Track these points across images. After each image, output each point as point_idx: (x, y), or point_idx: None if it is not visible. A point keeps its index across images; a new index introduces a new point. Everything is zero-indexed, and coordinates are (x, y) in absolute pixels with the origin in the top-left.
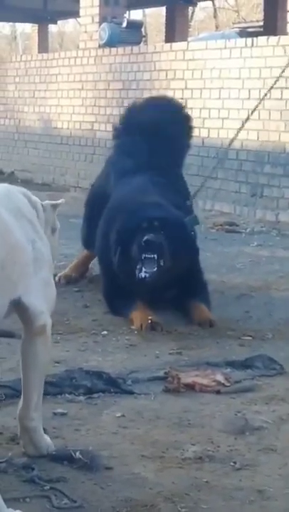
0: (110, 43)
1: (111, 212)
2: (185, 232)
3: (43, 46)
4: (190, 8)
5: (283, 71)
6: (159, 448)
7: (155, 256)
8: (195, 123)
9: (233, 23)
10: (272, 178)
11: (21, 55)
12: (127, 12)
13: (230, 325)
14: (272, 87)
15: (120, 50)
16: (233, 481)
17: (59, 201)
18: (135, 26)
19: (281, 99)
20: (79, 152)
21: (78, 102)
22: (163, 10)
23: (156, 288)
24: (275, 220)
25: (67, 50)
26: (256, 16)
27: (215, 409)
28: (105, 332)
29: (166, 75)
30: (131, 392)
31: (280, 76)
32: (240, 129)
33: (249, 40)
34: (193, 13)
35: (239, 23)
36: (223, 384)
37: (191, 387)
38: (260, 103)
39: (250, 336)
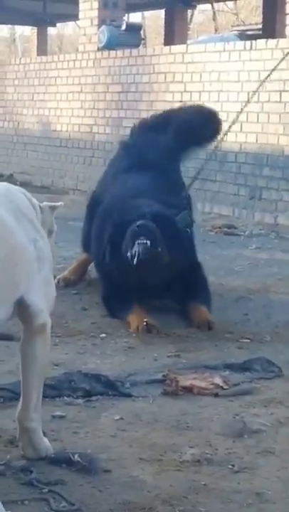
0: (109, 45)
1: (103, 213)
2: (176, 228)
3: (42, 49)
4: (189, 11)
5: (274, 69)
6: (157, 451)
7: (148, 242)
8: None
9: (232, 26)
10: (271, 180)
11: (20, 58)
12: (126, 15)
13: (229, 327)
14: (263, 81)
15: (119, 52)
16: (231, 483)
17: (58, 203)
18: (134, 29)
19: (280, 101)
20: (78, 155)
21: (77, 105)
22: (162, 13)
23: (151, 284)
24: (274, 222)
25: (66, 53)
26: (255, 19)
27: (213, 412)
28: (104, 335)
29: (165, 78)
30: (129, 395)
31: (270, 73)
32: (233, 122)
33: (248, 42)
34: (192, 15)
35: (238, 25)
36: (221, 387)
37: (189, 390)
38: (248, 101)
39: (249, 339)
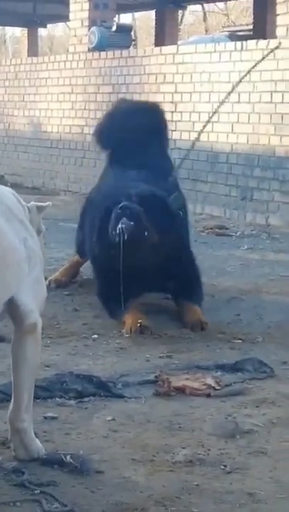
0: (100, 46)
1: (95, 204)
2: (165, 207)
3: (33, 50)
4: (180, 12)
5: (261, 60)
6: (150, 451)
7: (131, 222)
8: (185, 127)
9: (223, 27)
10: (262, 181)
11: (11, 59)
12: (117, 16)
13: (221, 328)
14: (247, 74)
15: (110, 53)
16: (224, 484)
17: (45, 204)
18: (125, 30)
19: (271, 102)
20: (69, 156)
21: (68, 106)
22: (152, 14)
23: (141, 266)
24: (265, 223)
25: (56, 54)
26: (246, 20)
27: (205, 413)
28: (96, 336)
29: (156, 79)
30: (121, 396)
31: (261, 61)
32: (206, 122)
33: (239, 43)
34: (182, 16)
35: (229, 26)
36: (213, 387)
37: (181, 391)
38: (227, 97)
39: (241, 339)
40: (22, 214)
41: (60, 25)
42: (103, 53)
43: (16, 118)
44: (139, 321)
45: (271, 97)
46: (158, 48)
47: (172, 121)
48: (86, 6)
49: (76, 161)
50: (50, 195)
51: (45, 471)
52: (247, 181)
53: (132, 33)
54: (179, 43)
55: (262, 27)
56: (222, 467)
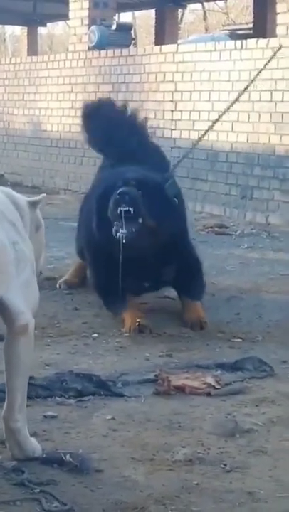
0: (100, 45)
1: (89, 199)
2: (164, 193)
3: (33, 49)
4: (179, 11)
5: (266, 65)
6: (150, 450)
7: (131, 209)
8: (185, 125)
9: (223, 26)
10: (262, 180)
11: (10, 58)
12: (117, 14)
13: (221, 327)
14: (252, 81)
15: (110, 52)
16: (224, 483)
17: (38, 197)
18: (125, 29)
19: (271, 101)
20: (68, 155)
21: (68, 105)
22: (152, 12)
23: (141, 255)
24: (265, 222)
25: (56, 53)
26: (246, 18)
27: (205, 412)
28: (95, 335)
29: (156, 78)
30: (121, 395)
31: (263, 68)
32: (213, 123)
33: (239, 42)
34: (182, 15)
35: (229, 25)
36: (213, 386)
37: (181, 390)
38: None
39: (240, 338)
40: (14, 216)
41: (60, 23)
42: (103, 52)
43: (16, 117)
44: (139, 320)
45: (271, 95)
46: (158, 47)
47: (172, 120)
48: (86, 4)
49: (76, 160)
50: (50, 194)
51: (44, 470)
52: (247, 180)
53: (132, 32)
54: (179, 41)
55: (262, 26)
56: (222, 466)
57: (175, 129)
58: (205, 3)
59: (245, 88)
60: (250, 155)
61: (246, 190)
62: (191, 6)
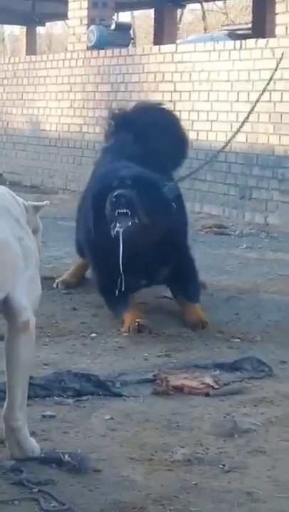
0: (99, 45)
1: (86, 195)
2: (160, 192)
3: (31, 48)
4: (179, 11)
5: (272, 77)
6: (148, 450)
7: (128, 211)
8: (184, 126)
9: (222, 26)
10: (261, 180)
11: (9, 57)
12: (116, 14)
13: (219, 327)
14: (263, 92)
15: (109, 52)
16: (222, 483)
17: (42, 203)
18: (124, 28)
19: (270, 101)
20: (67, 154)
21: (67, 104)
22: (151, 12)
23: (139, 252)
24: (264, 222)
25: (55, 53)
26: (245, 19)
27: (204, 412)
28: (94, 334)
29: (155, 78)
30: (120, 395)
31: (271, 80)
32: (234, 134)
33: (238, 42)
34: (181, 15)
35: (228, 25)
36: (212, 386)
37: (179, 390)
38: (252, 109)
39: (239, 338)
40: (18, 213)
41: (59, 23)
42: (102, 52)
43: (15, 116)
44: (138, 319)
45: (270, 96)
46: (157, 47)
47: None
48: (85, 4)
49: (75, 160)
50: (49, 194)
51: (43, 469)
52: (246, 180)
53: (131, 32)
54: (178, 41)
55: (261, 26)
56: (220, 466)
57: None
58: (204, 3)
59: (257, 100)
60: (249, 155)
61: (245, 191)
62: (190, 6)
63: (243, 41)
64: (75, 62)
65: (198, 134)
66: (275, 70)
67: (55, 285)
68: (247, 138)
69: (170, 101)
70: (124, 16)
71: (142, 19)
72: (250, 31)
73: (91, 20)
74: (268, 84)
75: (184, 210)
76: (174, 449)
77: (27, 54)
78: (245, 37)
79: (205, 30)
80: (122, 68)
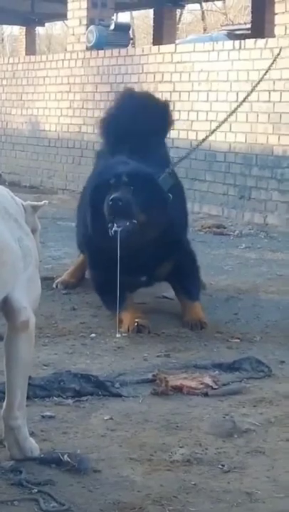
0: (98, 45)
1: (84, 192)
2: (157, 186)
3: (31, 48)
4: (178, 11)
5: (266, 72)
6: (147, 451)
7: (125, 213)
8: (183, 126)
9: (221, 26)
10: (260, 180)
11: (9, 58)
12: (115, 14)
13: (218, 327)
14: (259, 82)
15: (108, 52)
16: (221, 483)
17: (40, 203)
18: (123, 29)
19: (269, 101)
20: (67, 154)
21: (66, 105)
22: (151, 12)
23: (136, 250)
24: (263, 222)
25: (54, 53)
26: (244, 19)
27: (203, 412)
28: (93, 335)
29: (154, 78)
30: (119, 395)
31: (267, 71)
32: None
33: (237, 42)
34: (181, 15)
35: (227, 25)
36: (211, 386)
37: (179, 390)
38: (243, 101)
39: (238, 339)
40: (17, 213)
41: (58, 23)
42: (101, 52)
43: (14, 117)
44: (137, 320)
45: (269, 96)
46: (156, 47)
47: None
48: (84, 4)
49: (74, 160)
50: (48, 194)
51: (42, 470)
52: (245, 180)
53: (130, 32)
54: (177, 41)
55: (260, 26)
56: (220, 466)
57: (173, 129)
58: (203, 3)
59: (245, 98)
60: (248, 155)
61: (244, 191)
62: (189, 6)
63: (242, 41)
64: (75, 63)
65: (197, 134)
66: (273, 61)
67: (54, 285)
68: (246, 138)
69: (169, 101)
70: (123, 16)
71: (141, 19)
72: (250, 31)
73: (90, 21)
74: (265, 74)
75: (183, 201)
76: (173, 449)
77: (26, 54)
78: (244, 37)
79: (204, 30)
80: (122, 68)
